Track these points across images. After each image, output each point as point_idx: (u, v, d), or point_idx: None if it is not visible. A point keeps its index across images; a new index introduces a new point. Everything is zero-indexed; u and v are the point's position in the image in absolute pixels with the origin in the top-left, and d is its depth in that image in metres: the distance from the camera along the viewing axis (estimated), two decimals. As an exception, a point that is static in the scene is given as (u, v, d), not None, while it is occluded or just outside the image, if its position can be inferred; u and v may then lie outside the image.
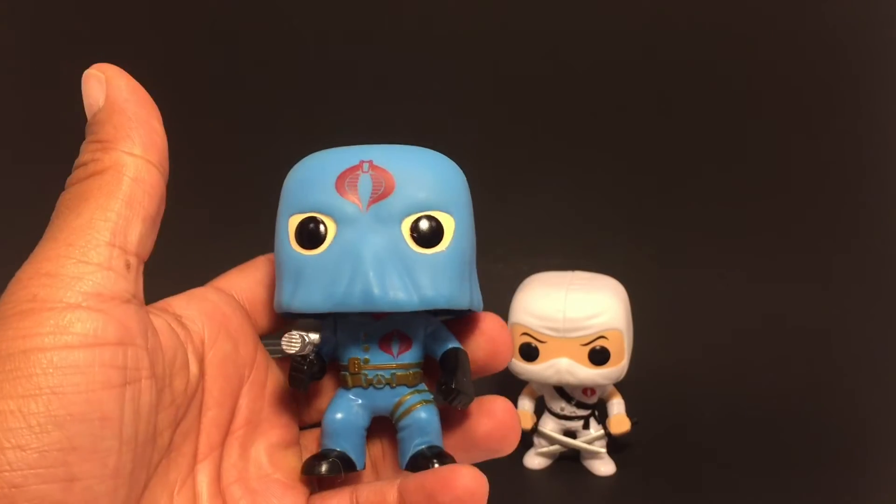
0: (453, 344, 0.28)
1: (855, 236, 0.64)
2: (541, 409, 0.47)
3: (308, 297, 0.26)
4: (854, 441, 0.49)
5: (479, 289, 0.29)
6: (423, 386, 0.28)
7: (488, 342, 0.29)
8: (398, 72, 0.63)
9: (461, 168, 0.29)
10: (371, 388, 0.28)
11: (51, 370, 0.20)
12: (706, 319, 0.62)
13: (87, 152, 0.24)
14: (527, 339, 0.43)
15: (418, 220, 0.27)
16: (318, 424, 0.29)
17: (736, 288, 0.63)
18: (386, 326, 0.28)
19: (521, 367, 0.44)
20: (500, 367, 0.29)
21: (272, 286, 0.29)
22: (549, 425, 0.46)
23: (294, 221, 0.27)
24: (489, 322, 0.29)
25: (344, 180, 0.27)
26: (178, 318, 0.26)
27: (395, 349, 0.28)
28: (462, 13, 0.63)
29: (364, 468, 0.28)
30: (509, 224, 0.64)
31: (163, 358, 0.24)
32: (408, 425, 0.28)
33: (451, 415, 0.28)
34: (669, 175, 0.65)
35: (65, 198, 0.23)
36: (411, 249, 0.27)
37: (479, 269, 0.28)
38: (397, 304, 0.26)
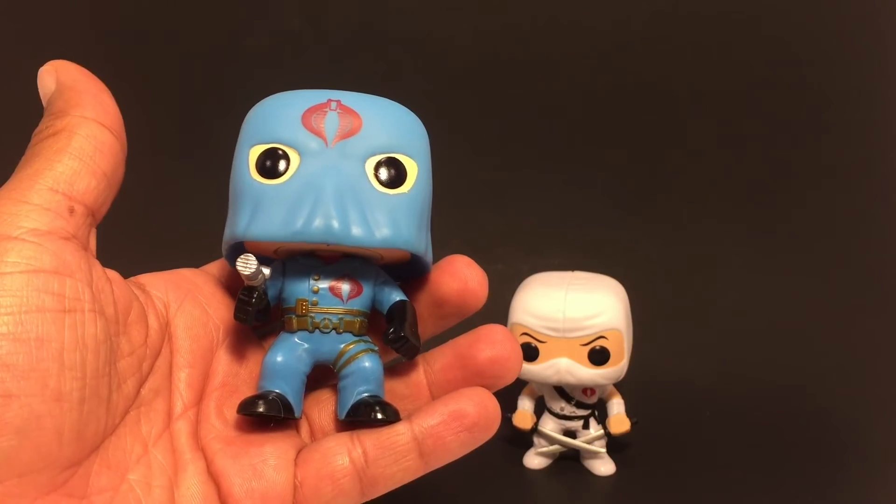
0: (401, 296, 0.28)
1: (857, 236, 0.64)
2: (541, 409, 0.47)
3: (266, 225, 0.26)
4: (854, 441, 0.49)
5: (431, 246, 0.29)
6: (367, 337, 0.28)
7: (456, 280, 0.28)
8: (397, 68, 0.63)
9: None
10: (317, 332, 0.27)
11: None
12: (706, 319, 0.62)
13: (41, 124, 0.25)
14: (527, 339, 0.43)
15: (383, 160, 0.27)
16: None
17: (736, 288, 0.63)
18: (337, 271, 0.28)
19: (521, 367, 0.44)
20: (476, 305, 0.29)
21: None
22: (549, 425, 0.46)
23: (256, 151, 0.26)
24: (454, 261, 0.29)
25: (311, 115, 0.26)
26: (140, 285, 0.27)
27: (345, 294, 0.28)
28: (460, 9, 0.63)
29: (300, 416, 0.28)
30: (509, 224, 0.64)
31: (114, 301, 0.24)
32: (351, 373, 0.27)
33: (452, 347, 0.28)
34: (670, 175, 0.65)
35: (21, 160, 0.24)
36: (374, 188, 0.26)
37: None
38: (357, 240, 0.26)
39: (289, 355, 0.27)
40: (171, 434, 0.26)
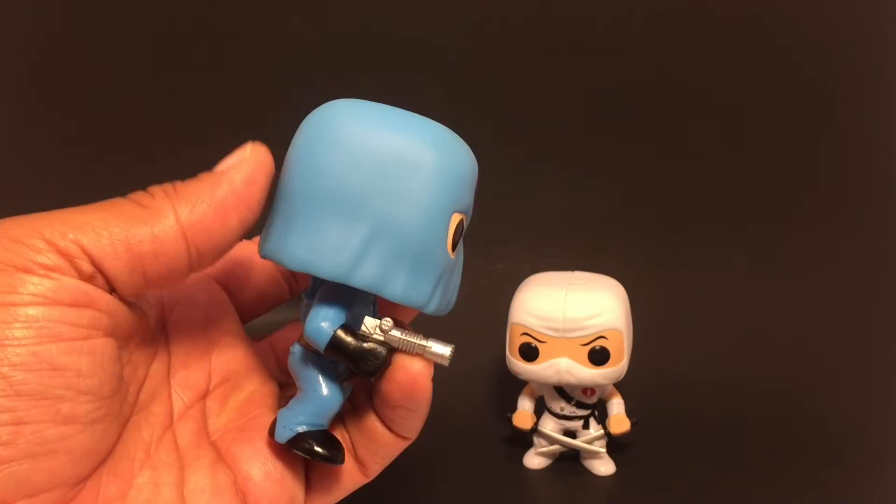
0: None
1: (857, 236, 0.64)
2: (541, 409, 0.47)
3: (447, 304, 0.27)
4: (854, 441, 0.49)
5: None
6: None
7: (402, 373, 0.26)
8: (397, 69, 0.63)
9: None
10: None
11: None
12: (706, 319, 0.62)
13: (162, 185, 0.24)
14: (527, 339, 0.43)
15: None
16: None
17: (736, 288, 0.63)
18: None
19: (521, 367, 0.44)
20: (421, 398, 0.27)
21: (255, 267, 0.29)
22: (549, 425, 0.46)
23: (455, 220, 0.26)
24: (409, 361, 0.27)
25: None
26: None
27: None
28: (458, 8, 0.63)
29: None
30: (509, 224, 0.64)
31: (127, 319, 0.24)
32: None
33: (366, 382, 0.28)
34: (669, 174, 0.65)
35: (112, 200, 0.24)
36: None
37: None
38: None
39: (335, 390, 0.26)
40: (174, 434, 0.26)
